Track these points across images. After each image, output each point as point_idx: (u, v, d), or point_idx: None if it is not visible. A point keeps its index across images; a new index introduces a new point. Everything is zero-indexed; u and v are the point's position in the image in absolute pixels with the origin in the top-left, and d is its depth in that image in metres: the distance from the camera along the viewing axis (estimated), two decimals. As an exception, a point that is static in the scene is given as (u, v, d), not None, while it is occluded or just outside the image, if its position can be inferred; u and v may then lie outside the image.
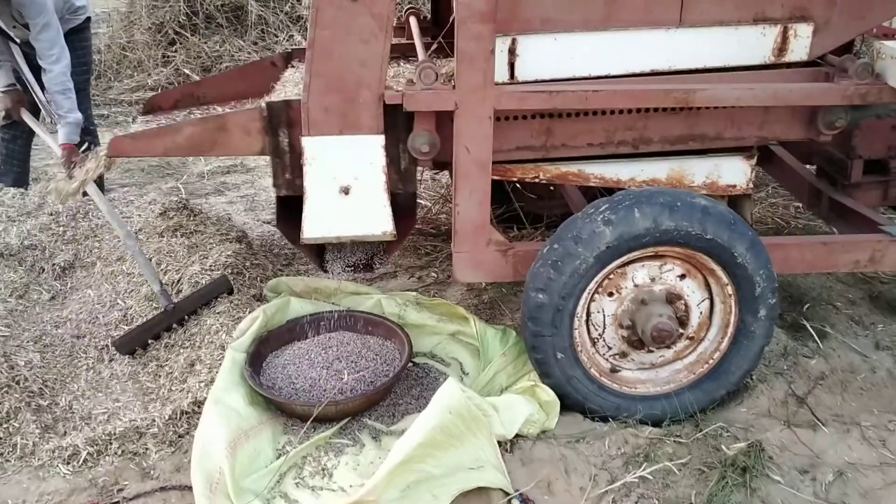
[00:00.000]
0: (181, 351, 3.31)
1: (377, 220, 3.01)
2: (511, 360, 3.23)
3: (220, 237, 3.99)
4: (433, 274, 4.10)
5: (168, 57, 7.53)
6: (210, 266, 3.68)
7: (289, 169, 3.03)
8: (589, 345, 3.00)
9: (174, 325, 3.40)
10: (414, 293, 3.65)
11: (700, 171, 3.21)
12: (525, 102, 2.89)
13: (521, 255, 3.08)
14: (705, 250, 2.80)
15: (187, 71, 7.32)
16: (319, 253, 3.31)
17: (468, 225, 3.02)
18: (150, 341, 3.40)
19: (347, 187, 2.97)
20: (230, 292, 3.50)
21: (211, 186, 5.41)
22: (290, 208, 3.18)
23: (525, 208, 4.34)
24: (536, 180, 3.17)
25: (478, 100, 2.84)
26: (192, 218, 4.11)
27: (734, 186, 3.23)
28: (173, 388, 3.18)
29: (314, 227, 3.00)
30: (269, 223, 4.77)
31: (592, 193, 3.97)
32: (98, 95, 7.35)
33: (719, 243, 2.77)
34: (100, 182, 3.94)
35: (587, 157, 3.15)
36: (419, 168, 3.21)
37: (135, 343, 3.38)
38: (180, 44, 7.55)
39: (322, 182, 2.96)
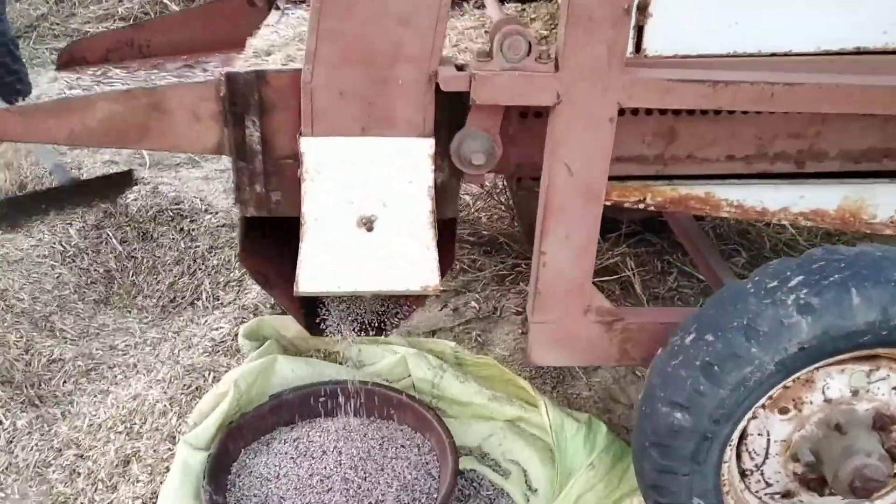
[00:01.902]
0: (112, 437, 2.23)
1: (416, 269, 1.91)
2: (602, 474, 2.17)
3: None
4: (473, 304, 3.00)
5: (144, -20, 6.26)
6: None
7: (260, 178, 1.91)
8: (737, 480, 1.93)
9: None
10: (451, 344, 2.57)
11: (888, 202, 2.09)
12: (672, 96, 1.75)
13: (636, 332, 2.00)
14: (953, 355, 1.72)
15: (166, -1, 6.08)
16: (304, 303, 2.20)
17: (558, 284, 1.92)
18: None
19: (371, 219, 1.86)
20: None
21: (183, 154, 4.25)
22: (260, 234, 2.08)
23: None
24: (640, 205, 2.06)
25: (596, 89, 1.71)
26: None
27: (934, 226, 2.13)
28: (96, 499, 2.11)
29: (315, 276, 1.89)
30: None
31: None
32: (58, 24, 6.13)
33: (981, 347, 1.68)
34: None
35: (720, 175, 2.05)
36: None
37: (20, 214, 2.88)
38: (159, -35, 6.26)
39: (331, 209, 1.85)
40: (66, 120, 1.88)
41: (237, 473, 2.09)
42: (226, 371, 2.37)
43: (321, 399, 2.26)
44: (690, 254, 2.84)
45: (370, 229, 1.87)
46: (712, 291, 3.08)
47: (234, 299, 2.78)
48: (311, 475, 2.05)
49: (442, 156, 1.85)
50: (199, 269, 2.99)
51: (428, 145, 1.82)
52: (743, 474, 1.93)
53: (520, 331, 2.86)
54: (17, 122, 1.92)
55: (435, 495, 2.01)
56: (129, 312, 2.84)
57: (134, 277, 2.98)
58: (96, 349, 2.66)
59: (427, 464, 2.12)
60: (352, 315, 2.14)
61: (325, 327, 2.13)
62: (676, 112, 1.91)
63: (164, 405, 2.24)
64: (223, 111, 1.83)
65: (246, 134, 1.85)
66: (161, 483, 2.06)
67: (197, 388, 2.30)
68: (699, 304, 3.09)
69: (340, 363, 2.48)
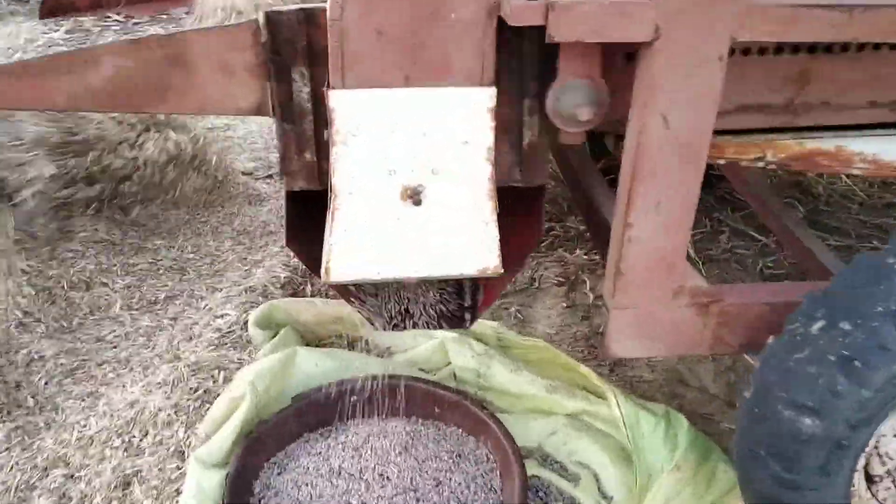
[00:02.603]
0: (108, 454, 1.89)
1: (473, 249, 1.56)
2: (689, 476, 1.86)
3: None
4: (508, 273, 2.65)
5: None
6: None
7: (311, 144, 1.55)
8: (864, 489, 1.62)
9: None
10: (492, 324, 2.24)
11: None
12: (797, 27, 1.39)
13: (736, 315, 1.67)
14: None
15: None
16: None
17: (646, 262, 1.58)
18: None
19: (417, 189, 1.50)
20: None
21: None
22: (311, 213, 1.71)
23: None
24: (758, 164, 1.72)
25: (705, 20, 1.36)
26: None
27: None
28: (92, 532, 1.78)
29: (350, 261, 1.54)
30: (249, 175, 3.27)
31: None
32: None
33: None
34: None
35: (850, 126, 1.71)
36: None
37: None
38: None
39: (368, 179, 1.49)
40: (64, 80, 1.50)
41: (261, 495, 1.75)
42: (237, 368, 2.03)
43: (354, 399, 1.92)
44: (756, 210, 2.51)
45: (417, 202, 1.51)
46: (774, 252, 2.78)
47: (239, 279, 2.43)
48: (350, 492, 1.72)
49: (531, 111, 1.50)
50: (192, 243, 2.63)
51: (488, 97, 1.45)
52: (870, 481, 1.62)
53: (563, 304, 2.53)
54: (4, 84, 1.53)
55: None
56: (116, 295, 2.48)
57: (119, 255, 2.61)
58: (80, 343, 2.30)
59: (485, 474, 1.80)
60: (420, 303, 1.79)
61: (385, 321, 1.77)
62: (811, 49, 1.56)
63: (169, 414, 1.90)
64: (263, 62, 1.46)
65: (293, 90, 1.49)
66: (170, 510, 1.73)
67: (206, 392, 1.96)
68: (757, 265, 2.81)
69: (369, 352, 2.15)
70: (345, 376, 1.98)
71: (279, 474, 1.79)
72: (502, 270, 1.58)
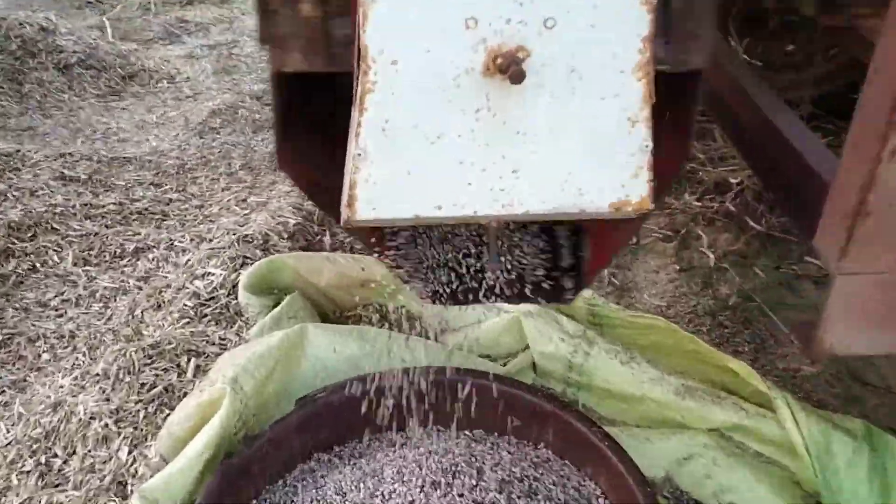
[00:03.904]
0: (17, 482, 1.25)
1: (609, 168, 0.89)
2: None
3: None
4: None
5: None
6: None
7: None
8: None
9: None
10: (584, 294, 1.56)
11: None
12: None
13: None
14: None
15: None
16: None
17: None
18: None
19: (516, 56, 0.83)
20: None
21: (159, 26, 3.20)
22: (314, 113, 1.02)
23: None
24: None
25: None
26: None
27: None
28: None
29: (389, 185, 0.88)
30: (259, 99, 2.59)
31: None
32: None
33: None
34: None
35: None
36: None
37: None
38: None
39: (426, 34, 0.81)
40: None
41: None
42: (217, 354, 1.37)
43: (389, 402, 1.27)
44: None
45: (515, 78, 0.84)
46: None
47: (234, 226, 1.77)
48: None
49: None
50: (177, 180, 1.99)
51: None
52: None
53: (675, 266, 1.85)
54: None
55: None
56: (69, 246, 1.84)
57: (75, 191, 1.97)
58: (14, 309, 1.67)
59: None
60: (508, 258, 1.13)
61: (435, 288, 1.10)
62: None
63: (105, 424, 1.24)
64: None
65: None
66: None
67: (166, 390, 1.30)
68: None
69: (410, 330, 1.49)
70: (376, 367, 1.33)
71: (274, 525, 1.15)
72: (652, 206, 0.92)
